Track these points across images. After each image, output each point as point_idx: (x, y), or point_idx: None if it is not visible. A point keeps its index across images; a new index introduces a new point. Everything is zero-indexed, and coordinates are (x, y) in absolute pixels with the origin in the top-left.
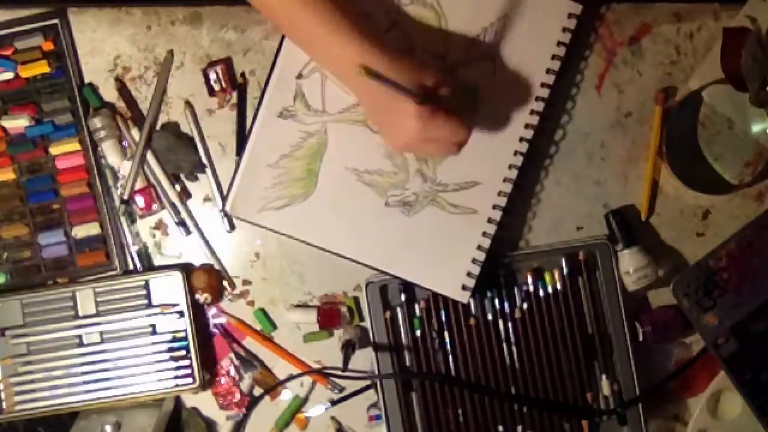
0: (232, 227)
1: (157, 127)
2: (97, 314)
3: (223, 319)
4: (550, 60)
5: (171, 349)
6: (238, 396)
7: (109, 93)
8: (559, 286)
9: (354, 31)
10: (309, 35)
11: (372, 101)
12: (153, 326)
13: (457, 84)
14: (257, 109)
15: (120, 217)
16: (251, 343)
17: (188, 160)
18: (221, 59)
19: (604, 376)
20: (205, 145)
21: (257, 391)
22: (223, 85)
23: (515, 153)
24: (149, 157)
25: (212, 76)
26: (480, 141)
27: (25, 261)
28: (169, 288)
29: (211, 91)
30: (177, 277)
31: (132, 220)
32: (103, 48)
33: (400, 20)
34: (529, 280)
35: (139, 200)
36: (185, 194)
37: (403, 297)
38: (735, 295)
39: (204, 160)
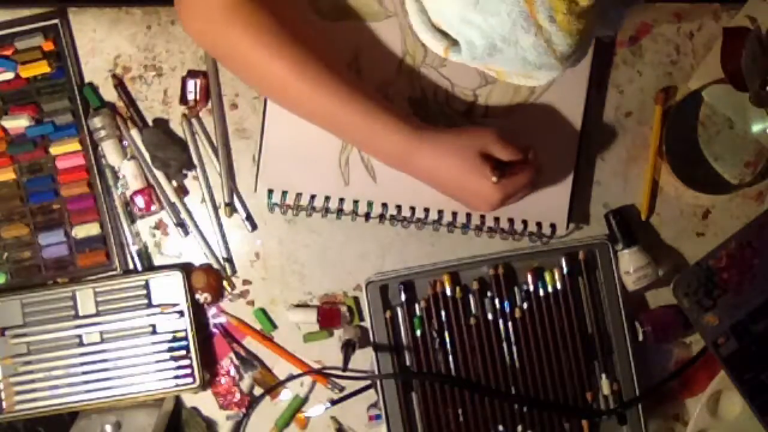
0: (254, 226)
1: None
2: (97, 314)
3: (223, 319)
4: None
5: (171, 349)
6: (238, 396)
7: (109, 93)
8: (559, 286)
9: (399, 122)
10: (354, 133)
11: (441, 184)
12: (153, 326)
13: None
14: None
15: (120, 216)
16: (251, 342)
17: (177, 158)
18: (202, 71)
19: (603, 376)
20: (196, 145)
21: (257, 390)
22: (197, 97)
23: None
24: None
25: (190, 86)
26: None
27: (25, 261)
28: (169, 288)
29: (184, 100)
30: (177, 277)
31: (132, 220)
32: (103, 48)
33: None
34: (529, 279)
35: (139, 200)
36: (183, 191)
37: (403, 297)
38: (735, 295)
39: (195, 160)
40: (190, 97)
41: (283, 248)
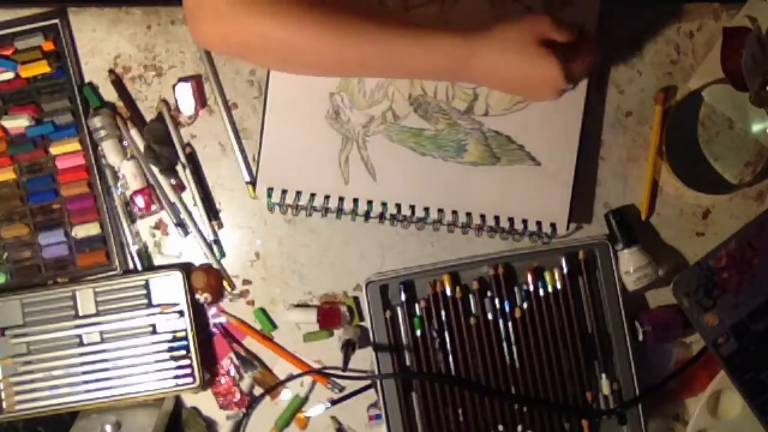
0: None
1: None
2: (97, 314)
3: (223, 319)
4: None
5: (171, 349)
6: (238, 396)
7: (109, 93)
8: (559, 286)
9: (445, 33)
10: (407, 61)
11: (503, 81)
12: (153, 326)
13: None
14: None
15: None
16: (251, 342)
17: (169, 156)
18: (194, 75)
19: (603, 376)
20: (182, 143)
21: (257, 390)
22: (195, 104)
23: None
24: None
25: (184, 91)
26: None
27: (25, 261)
28: (169, 288)
29: (182, 109)
30: (177, 277)
31: (132, 220)
32: (103, 48)
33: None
34: (529, 279)
35: (139, 200)
36: (180, 188)
37: (403, 297)
38: (735, 295)
39: (183, 159)
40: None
41: (283, 248)
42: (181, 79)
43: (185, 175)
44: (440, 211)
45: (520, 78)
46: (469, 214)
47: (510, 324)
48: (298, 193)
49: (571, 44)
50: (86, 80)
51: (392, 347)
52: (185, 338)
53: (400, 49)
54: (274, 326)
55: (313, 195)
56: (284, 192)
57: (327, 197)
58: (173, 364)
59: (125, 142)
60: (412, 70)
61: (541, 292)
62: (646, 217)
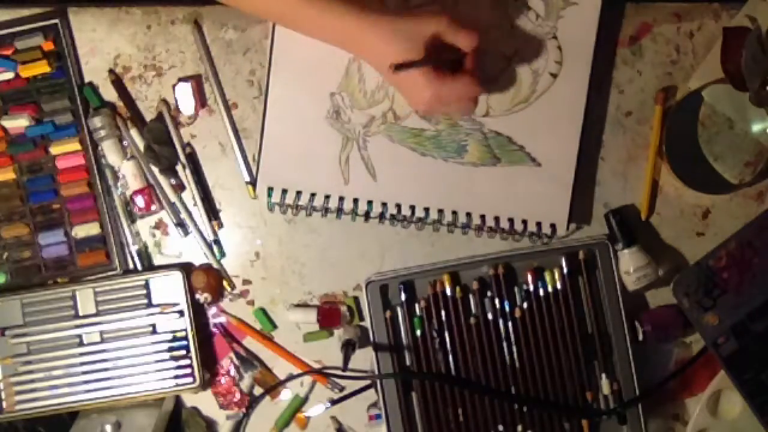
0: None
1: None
2: (97, 314)
3: (223, 319)
4: None
5: (171, 349)
6: (238, 395)
7: (109, 93)
8: (559, 286)
9: (345, 6)
10: (304, 24)
11: (381, 70)
12: (153, 326)
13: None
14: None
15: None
16: (251, 342)
17: (169, 156)
18: (194, 75)
19: (603, 376)
20: (182, 143)
21: (257, 390)
22: (195, 103)
23: None
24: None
25: (185, 91)
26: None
27: (25, 261)
28: (169, 287)
29: (182, 109)
30: (177, 277)
31: (132, 220)
32: (103, 48)
33: None
34: (529, 279)
35: (139, 200)
36: (180, 188)
37: (403, 296)
38: (735, 295)
39: (183, 159)
40: (190, 104)
41: (283, 248)
42: (181, 79)
43: (185, 175)
44: (440, 211)
45: (397, 76)
46: (469, 215)
47: (510, 324)
48: (298, 193)
49: (459, 63)
50: (86, 80)
51: (392, 347)
52: (185, 338)
53: (313, 4)
54: (274, 326)
55: (313, 195)
56: (284, 192)
57: (327, 197)
58: (173, 364)
59: (125, 142)
60: (312, 26)
61: (541, 292)
62: (646, 217)
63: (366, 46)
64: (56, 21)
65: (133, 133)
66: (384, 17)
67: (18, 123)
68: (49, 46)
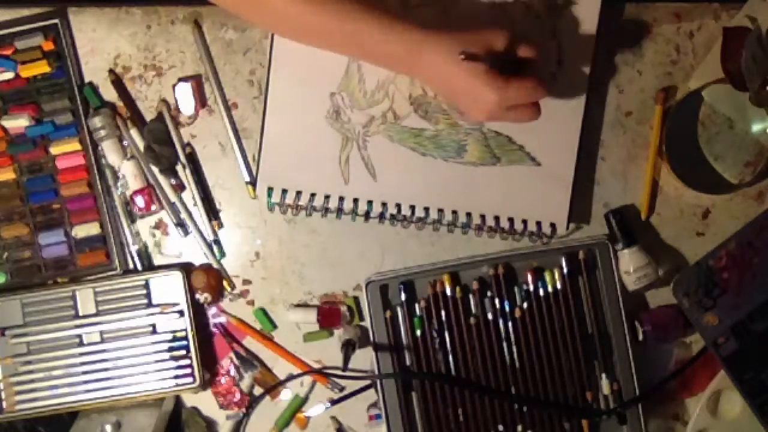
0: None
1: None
2: (97, 314)
3: (223, 319)
4: None
5: (171, 349)
6: (238, 395)
7: (109, 93)
8: (559, 286)
9: (404, 23)
10: (357, 46)
11: (444, 85)
12: (153, 326)
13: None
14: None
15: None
16: (251, 342)
17: (169, 156)
18: (194, 75)
19: (603, 376)
20: (182, 143)
21: (257, 390)
22: (195, 103)
23: None
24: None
25: (184, 91)
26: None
27: (25, 261)
28: (169, 287)
29: (182, 109)
30: (177, 277)
31: (132, 220)
32: (103, 48)
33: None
34: (529, 279)
35: (139, 200)
36: (180, 188)
37: (403, 296)
38: (735, 295)
39: (183, 159)
40: (190, 104)
41: (283, 248)
42: (181, 79)
43: (185, 175)
44: (440, 211)
45: (457, 88)
46: (469, 214)
47: (510, 324)
48: (298, 193)
49: (521, 65)
50: (86, 80)
51: (392, 347)
52: (185, 338)
53: (360, 26)
54: (274, 326)
55: (313, 195)
56: (284, 192)
57: (327, 197)
58: (173, 364)
59: (125, 142)
60: (367, 50)
61: (541, 292)
62: (646, 217)
63: (427, 64)
64: (56, 21)
65: (133, 133)
66: (445, 34)
67: (18, 123)
68: (49, 46)
